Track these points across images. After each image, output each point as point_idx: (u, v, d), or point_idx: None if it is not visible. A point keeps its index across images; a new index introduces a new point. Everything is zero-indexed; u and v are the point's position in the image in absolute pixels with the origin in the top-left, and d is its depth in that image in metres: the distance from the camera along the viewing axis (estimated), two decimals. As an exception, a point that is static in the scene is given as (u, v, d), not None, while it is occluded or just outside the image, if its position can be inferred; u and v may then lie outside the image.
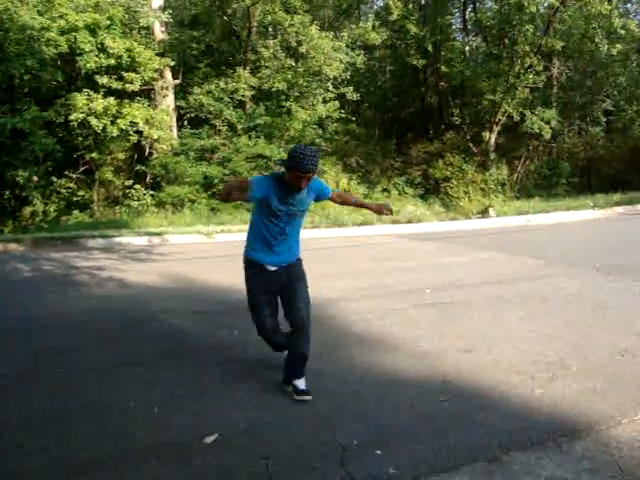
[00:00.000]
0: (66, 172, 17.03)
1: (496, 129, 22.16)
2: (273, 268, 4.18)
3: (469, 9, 24.80)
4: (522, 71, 20.98)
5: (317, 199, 4.36)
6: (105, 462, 3.39)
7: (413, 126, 25.57)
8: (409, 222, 15.83)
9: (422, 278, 8.36)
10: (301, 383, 4.22)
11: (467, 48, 24.15)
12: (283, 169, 4.00)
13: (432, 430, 3.71)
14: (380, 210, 4.61)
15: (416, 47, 22.55)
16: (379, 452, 3.44)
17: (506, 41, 21.82)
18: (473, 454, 3.39)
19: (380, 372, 4.73)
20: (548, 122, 20.98)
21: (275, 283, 4.20)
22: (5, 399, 4.32)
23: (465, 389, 4.35)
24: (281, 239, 4.15)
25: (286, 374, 4.31)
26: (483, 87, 21.36)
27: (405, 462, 3.32)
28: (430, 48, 22.16)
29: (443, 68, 22.38)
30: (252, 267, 4.24)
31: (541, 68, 21.42)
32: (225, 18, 20.48)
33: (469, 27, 24.90)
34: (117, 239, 12.66)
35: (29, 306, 7.16)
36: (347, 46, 19.84)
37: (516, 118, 21.22)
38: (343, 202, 4.82)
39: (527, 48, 20.75)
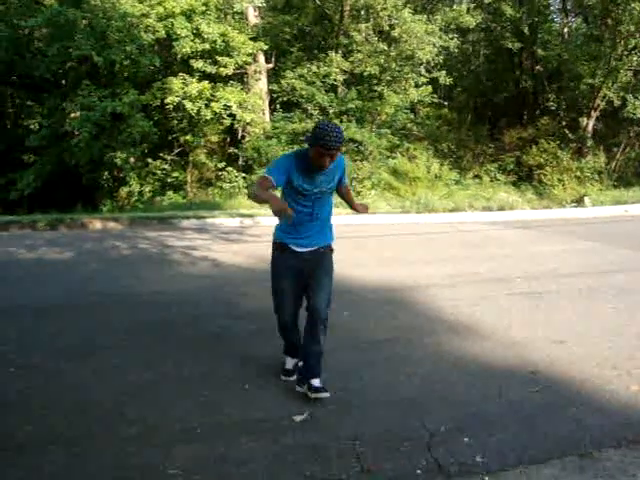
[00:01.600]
0: (161, 154, 17.62)
1: (594, 115, 21.23)
2: (300, 250, 3.97)
3: (570, -12, 23.82)
4: (625, 53, 19.94)
5: (340, 179, 4.11)
6: (198, 434, 3.52)
7: (507, 111, 24.93)
8: (501, 209, 15.50)
9: (514, 266, 8.19)
10: (316, 382, 3.96)
11: (566, 30, 23.21)
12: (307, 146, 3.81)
13: (521, 420, 3.66)
14: (357, 208, 4.29)
15: (511, 30, 21.93)
16: (466, 439, 3.42)
17: (609, 21, 20.76)
18: (563, 448, 3.32)
19: (469, 359, 4.70)
20: (652, 107, 19.94)
21: (302, 269, 3.97)
22: (104, 368, 4.54)
23: (556, 381, 4.26)
24: (311, 220, 3.94)
25: (302, 373, 4.07)
26: (582, 70, 20.47)
27: (492, 451, 3.30)
28: (526, 30, 21.48)
29: (539, 51, 21.66)
30: (279, 250, 4.03)
31: (647, 49, 20.34)
32: (317, 2, 20.52)
33: (568, 7, 23.94)
34: (210, 220, 12.98)
35: (126, 282, 7.47)
36: (440, 29, 19.49)
37: (617, 103, 20.25)
38: (344, 197, 4.37)
39: (632, 28, 19.61)
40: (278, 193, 3.96)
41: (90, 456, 3.27)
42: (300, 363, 4.11)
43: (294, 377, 4.20)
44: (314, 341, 3.96)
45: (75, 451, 3.33)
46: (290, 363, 4.33)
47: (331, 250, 4.11)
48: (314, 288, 3.97)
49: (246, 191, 16.27)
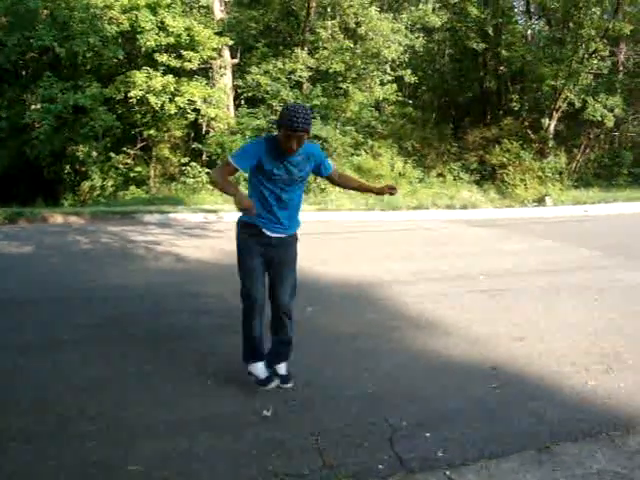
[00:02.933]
0: (124, 148, 17.44)
1: (556, 116, 21.60)
2: (270, 234, 3.87)
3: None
4: (586, 56, 20.35)
5: (316, 172, 4.04)
6: (160, 430, 3.48)
7: (471, 111, 25.20)
8: (464, 208, 15.67)
9: (476, 264, 8.28)
10: (283, 369, 4.04)
11: (529, 32, 23.52)
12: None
13: (481, 415, 3.70)
14: (382, 191, 4.15)
15: (476, 30, 22.11)
16: (428, 434, 3.44)
17: (571, 25, 21.14)
18: (522, 442, 3.35)
19: (432, 355, 4.73)
20: (611, 110, 20.33)
21: (268, 253, 3.89)
22: (66, 365, 4.47)
23: (516, 377, 4.31)
24: (279, 206, 3.84)
25: (269, 359, 4.05)
26: (544, 72, 20.80)
27: (454, 446, 3.32)
28: (491, 31, 21.69)
29: (503, 52, 21.89)
30: (248, 230, 3.88)
31: (607, 53, 20.70)
32: (284, -2, 20.47)
33: (532, 10, 24.27)
34: (173, 215, 12.89)
35: (89, 277, 7.36)
36: (406, 28, 19.63)
37: (577, 105, 20.62)
38: (344, 184, 4.33)
39: (593, 32, 20.01)
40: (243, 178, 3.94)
41: (50, 453, 3.21)
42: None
43: (275, 382, 3.95)
44: (282, 330, 4.02)
45: (35, 448, 3.26)
46: (262, 369, 3.98)
47: (296, 239, 4.06)
48: (278, 280, 3.95)
49: (210, 187, 16.14)
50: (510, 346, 4.96)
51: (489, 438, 3.40)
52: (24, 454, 3.21)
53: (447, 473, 3.02)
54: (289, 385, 3.97)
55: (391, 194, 4.11)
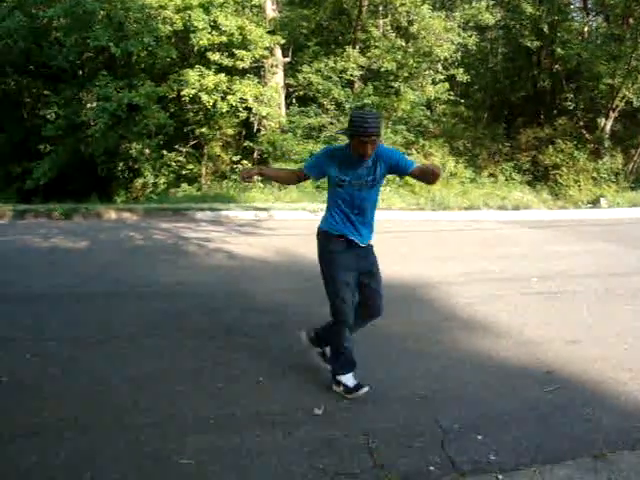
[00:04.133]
0: (176, 146, 17.65)
1: (612, 115, 21.03)
2: (360, 243, 3.89)
3: (591, -14, 23.56)
4: (647, 54, 19.80)
5: (394, 171, 3.91)
6: (212, 424, 3.53)
7: (524, 110, 24.74)
8: (516, 209, 15.43)
9: (529, 266, 8.14)
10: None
11: (586, 29, 22.93)
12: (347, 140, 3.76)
13: (535, 420, 3.64)
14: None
15: (531, 28, 21.69)
16: (480, 437, 3.41)
17: (631, 21, 20.54)
18: (577, 448, 3.30)
19: (484, 357, 4.68)
20: (672, 109, 19.73)
21: (357, 261, 3.90)
22: (119, 358, 4.56)
23: (570, 381, 4.23)
24: (353, 212, 3.85)
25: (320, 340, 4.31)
26: (601, 70, 20.27)
27: (506, 450, 3.28)
28: (546, 29, 21.24)
29: (559, 50, 21.41)
30: (333, 239, 3.89)
31: (669, 49, 20.10)
32: (336, -4, 20.46)
33: (589, 6, 23.69)
34: (224, 212, 12.99)
35: (141, 273, 7.50)
36: (459, 26, 19.40)
37: (636, 104, 20.07)
38: (423, 176, 3.87)
39: (654, 28, 19.48)
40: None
41: (104, 443, 3.29)
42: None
43: (366, 388, 3.89)
44: (366, 324, 4.17)
45: (90, 438, 3.34)
46: (351, 378, 3.95)
47: (372, 246, 4.06)
48: (373, 289, 4.00)
49: (260, 185, 16.26)
50: (564, 350, 4.86)
51: (542, 443, 3.35)
52: (80, 443, 3.29)
53: (499, 477, 2.99)
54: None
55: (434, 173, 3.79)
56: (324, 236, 3.95)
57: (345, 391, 3.91)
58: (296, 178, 4.14)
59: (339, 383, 3.95)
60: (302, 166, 4.06)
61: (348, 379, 3.94)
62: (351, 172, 3.77)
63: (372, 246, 4.03)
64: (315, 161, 3.94)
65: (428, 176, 3.75)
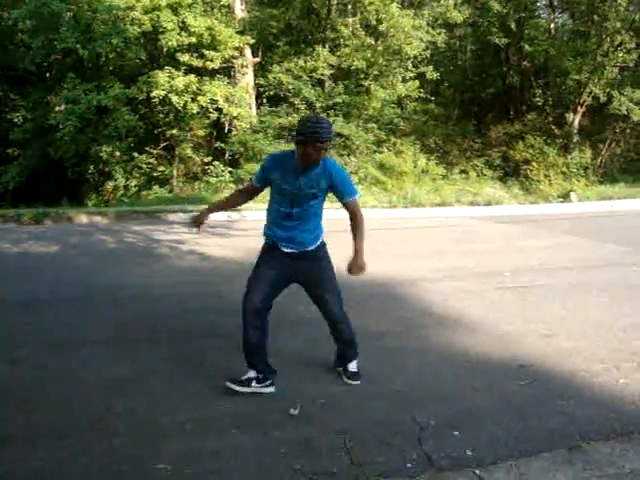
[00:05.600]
0: (147, 148, 17.52)
1: (580, 110, 21.32)
2: (287, 250, 3.85)
3: (556, -16, 23.82)
4: (611, 49, 20.01)
5: (334, 190, 3.81)
6: (187, 428, 3.49)
7: (493, 107, 24.98)
8: (488, 204, 15.57)
9: (502, 261, 8.22)
10: (353, 365, 4.19)
11: (552, 25, 23.24)
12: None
13: (511, 414, 3.66)
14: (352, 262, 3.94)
15: (498, 25, 21.88)
16: (457, 433, 3.42)
17: (595, 17, 20.82)
18: (553, 441, 3.32)
19: (459, 353, 4.70)
20: (638, 103, 19.99)
21: (290, 266, 3.86)
22: (94, 363, 4.50)
23: (545, 374, 4.27)
24: (290, 221, 3.80)
25: (339, 359, 4.24)
26: (568, 66, 20.54)
27: (483, 445, 3.29)
28: (513, 26, 21.45)
29: (526, 47, 21.64)
30: (265, 245, 3.96)
31: (633, 46, 20.28)
32: (305, -4, 20.45)
33: (555, 3, 23.96)
34: (197, 214, 12.90)
35: (114, 276, 7.41)
36: (428, 24, 19.51)
37: (603, 99, 20.34)
38: (351, 226, 3.99)
39: (618, 25, 19.66)
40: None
41: (78, 450, 3.24)
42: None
43: (251, 389, 3.89)
44: (341, 335, 4.17)
45: (64, 444, 3.29)
46: (246, 374, 3.94)
47: (321, 252, 3.97)
48: (320, 296, 4.00)
49: (232, 185, 16.20)
50: (538, 344, 4.91)
51: (519, 437, 3.37)
52: (55, 450, 3.24)
53: (477, 472, 2.99)
54: (357, 382, 4.09)
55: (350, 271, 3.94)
56: (264, 244, 4.00)
57: (231, 380, 3.94)
58: (247, 195, 4.08)
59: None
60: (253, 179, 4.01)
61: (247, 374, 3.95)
62: (292, 181, 3.71)
63: (319, 252, 3.95)
64: (262, 167, 3.90)
65: (355, 223, 3.93)
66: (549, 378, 4.21)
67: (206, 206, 4.09)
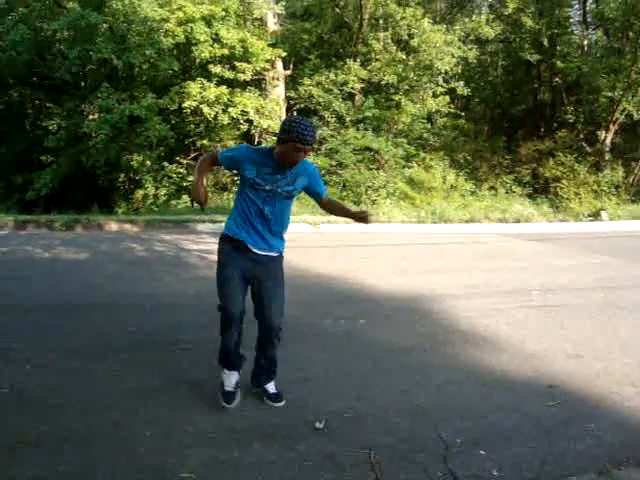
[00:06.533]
0: (177, 158, 17.69)
1: (613, 128, 21.10)
2: (255, 250, 3.77)
3: (590, 0, 23.62)
4: (646, 67, 19.85)
5: (308, 191, 3.89)
6: (212, 437, 3.50)
7: (524, 123, 24.84)
8: (516, 222, 15.45)
9: (530, 279, 8.13)
10: (272, 387, 4.04)
11: (585, 42, 23.09)
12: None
13: (538, 434, 3.61)
14: (357, 215, 3.93)
15: (531, 41, 21.82)
16: (482, 452, 3.38)
17: (630, 34, 20.66)
18: (582, 464, 3.26)
19: (485, 371, 4.65)
20: (672, 122, 19.76)
21: (252, 268, 3.79)
22: (119, 369, 4.53)
23: (573, 395, 4.20)
24: (261, 220, 3.74)
25: (256, 377, 4.10)
26: (601, 84, 20.36)
27: (509, 465, 3.25)
28: (546, 42, 21.36)
29: (558, 63, 21.51)
30: (229, 242, 3.82)
31: (669, 63, 20.15)
32: (337, 10, 20.58)
33: (589, 19, 23.79)
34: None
35: (142, 284, 7.49)
36: (459, 40, 19.49)
37: (636, 117, 20.14)
38: (332, 209, 4.10)
39: (654, 41, 19.53)
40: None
41: (105, 456, 3.26)
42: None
43: (237, 401, 3.90)
44: (269, 349, 3.99)
45: (89, 450, 3.32)
46: (232, 380, 3.96)
47: (282, 257, 3.94)
48: (267, 300, 3.85)
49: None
50: (566, 364, 4.84)
51: (545, 459, 3.32)
52: (79, 455, 3.27)
53: (503, 493, 2.96)
54: (281, 404, 3.93)
55: (362, 219, 3.89)
56: (224, 240, 3.87)
57: (220, 392, 3.93)
58: (209, 164, 3.98)
59: (222, 381, 3.98)
60: (214, 151, 3.93)
61: (228, 380, 3.96)
62: (270, 178, 3.66)
63: (279, 259, 3.92)
64: (234, 154, 3.82)
65: (333, 200, 3.98)
66: (578, 400, 4.14)
67: (193, 179, 3.87)
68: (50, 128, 17.24)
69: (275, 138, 3.64)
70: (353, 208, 3.87)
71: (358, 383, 4.32)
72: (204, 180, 3.92)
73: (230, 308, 3.81)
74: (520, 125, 24.72)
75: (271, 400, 3.95)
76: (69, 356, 4.79)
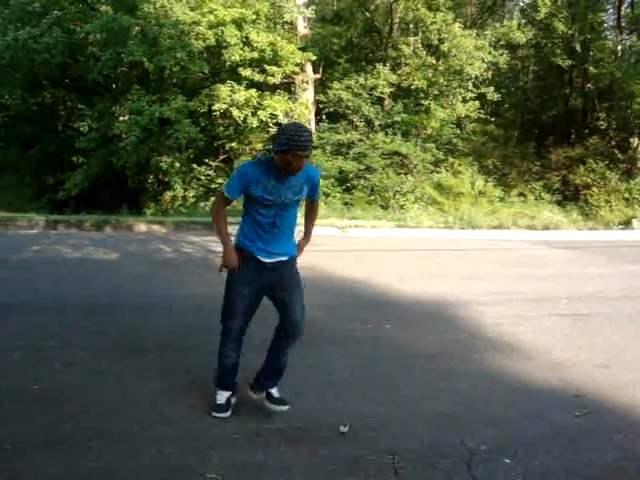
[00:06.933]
0: (206, 160, 17.81)
1: (646, 135, 20.84)
2: (264, 260, 3.75)
3: (625, 5, 23.27)
4: (681, 73, 19.56)
5: (309, 193, 3.86)
6: (237, 439, 3.52)
7: (554, 129, 24.56)
8: (545, 229, 15.30)
9: (558, 287, 8.05)
10: (276, 391, 3.93)
11: (619, 47, 22.77)
12: (272, 154, 3.62)
13: (564, 444, 3.57)
14: (300, 242, 4.03)
15: (563, 46, 21.58)
16: (507, 460, 3.35)
17: (665, 39, 20.39)
18: (608, 476, 3.23)
19: (511, 379, 4.62)
20: None
21: (266, 278, 3.79)
22: (146, 370, 4.58)
23: (601, 406, 4.15)
24: (273, 230, 3.71)
25: (262, 383, 3.95)
26: (635, 90, 20.10)
27: (534, 474, 3.22)
28: (578, 47, 21.12)
29: (591, 69, 21.26)
30: (243, 257, 3.78)
31: None
32: (367, 14, 20.56)
33: (623, 24, 23.45)
34: (253, 227, 13.02)
35: (169, 285, 7.56)
36: (490, 45, 19.38)
37: (670, 124, 19.87)
38: (305, 216, 4.12)
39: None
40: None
41: (129, 455, 3.29)
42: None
43: (229, 412, 3.84)
44: (284, 352, 3.96)
45: (115, 450, 3.35)
46: (223, 397, 3.91)
47: (294, 259, 3.93)
48: (289, 301, 3.83)
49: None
50: (594, 374, 4.78)
51: (571, 469, 3.29)
52: (104, 454, 3.30)
53: (527, 502, 2.94)
54: (285, 408, 3.83)
55: (298, 246, 3.98)
56: (239, 253, 3.82)
57: (212, 406, 3.88)
58: (224, 209, 3.94)
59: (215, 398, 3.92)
60: (220, 192, 3.90)
61: (218, 395, 3.92)
62: (276, 191, 3.63)
63: (293, 260, 3.92)
64: (239, 182, 3.71)
65: (314, 215, 4.08)
66: (605, 410, 4.09)
67: (225, 242, 3.82)
68: (81, 129, 17.46)
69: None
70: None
71: (383, 388, 4.32)
72: (225, 236, 3.83)
73: (234, 323, 3.93)
74: (550, 131, 24.44)
75: (277, 404, 3.84)
76: (97, 355, 4.85)
